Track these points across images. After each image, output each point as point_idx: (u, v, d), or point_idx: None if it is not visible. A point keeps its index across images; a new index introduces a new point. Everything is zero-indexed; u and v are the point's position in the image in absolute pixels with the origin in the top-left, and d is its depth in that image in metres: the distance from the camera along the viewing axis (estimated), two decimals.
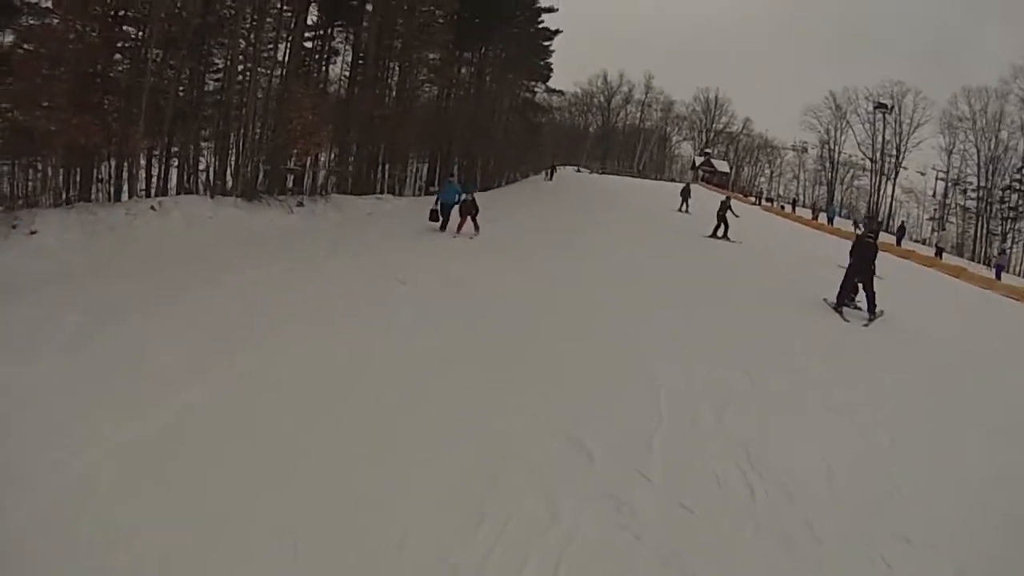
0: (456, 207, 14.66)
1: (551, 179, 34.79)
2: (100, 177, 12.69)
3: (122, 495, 3.94)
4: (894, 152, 42.89)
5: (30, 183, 11.71)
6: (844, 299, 10.34)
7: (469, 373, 6.15)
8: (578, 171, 42.18)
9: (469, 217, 14.50)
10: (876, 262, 10.28)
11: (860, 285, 10.26)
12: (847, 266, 10.40)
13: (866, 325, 9.91)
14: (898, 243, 27.32)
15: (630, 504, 4.06)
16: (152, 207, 12.33)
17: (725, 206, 18.43)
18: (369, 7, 19.35)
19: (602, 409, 5.48)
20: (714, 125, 48.14)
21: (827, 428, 5.68)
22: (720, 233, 17.99)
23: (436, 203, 15.03)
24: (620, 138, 48.58)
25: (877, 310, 10.13)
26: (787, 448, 5.06)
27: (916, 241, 33.50)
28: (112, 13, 12.77)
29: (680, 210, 24.16)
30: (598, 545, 3.70)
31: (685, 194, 25.09)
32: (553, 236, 16.08)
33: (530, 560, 3.53)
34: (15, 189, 11.48)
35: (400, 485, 4.18)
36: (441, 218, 14.79)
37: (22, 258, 9.60)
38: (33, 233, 10.29)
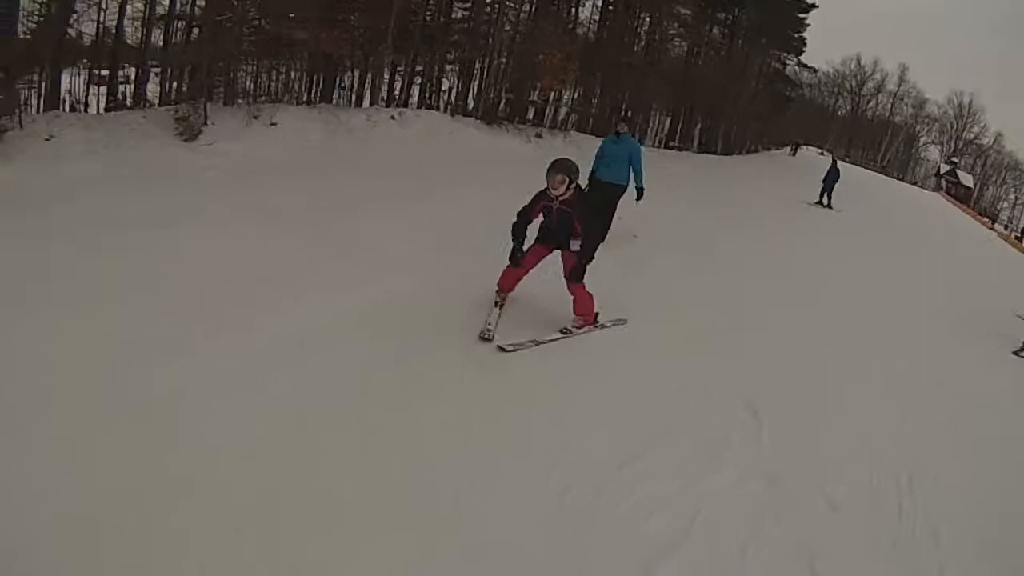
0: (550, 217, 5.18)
1: (795, 155, 31.89)
2: (343, 85, 12.48)
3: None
4: None
5: (273, 84, 11.65)
6: None
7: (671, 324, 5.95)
8: (821, 154, 38.41)
9: (572, 253, 5.10)
10: None
11: None
12: None
13: None
14: None
15: (783, 484, 3.89)
16: (392, 116, 12.12)
17: None
18: None
19: (788, 384, 5.23)
20: (964, 133, 41.88)
21: (1008, 474, 4.80)
22: None
23: (590, 181, 7.71)
24: (867, 128, 43.82)
25: None
26: (952, 480, 4.43)
27: None
28: None
29: (820, 203, 16.39)
30: (737, 513, 3.55)
31: (830, 180, 16.38)
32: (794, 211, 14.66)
33: (671, 505, 3.51)
34: (258, 87, 11.42)
35: (572, 405, 4.26)
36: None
37: (262, 145, 9.78)
38: (273, 125, 10.34)
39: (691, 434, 4.24)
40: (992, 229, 30.75)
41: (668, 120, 21.14)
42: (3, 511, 2.72)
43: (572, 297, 5.22)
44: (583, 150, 14.13)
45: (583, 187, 5.08)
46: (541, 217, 5.19)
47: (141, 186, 7.45)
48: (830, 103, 43.06)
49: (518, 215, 5.13)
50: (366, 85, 12.48)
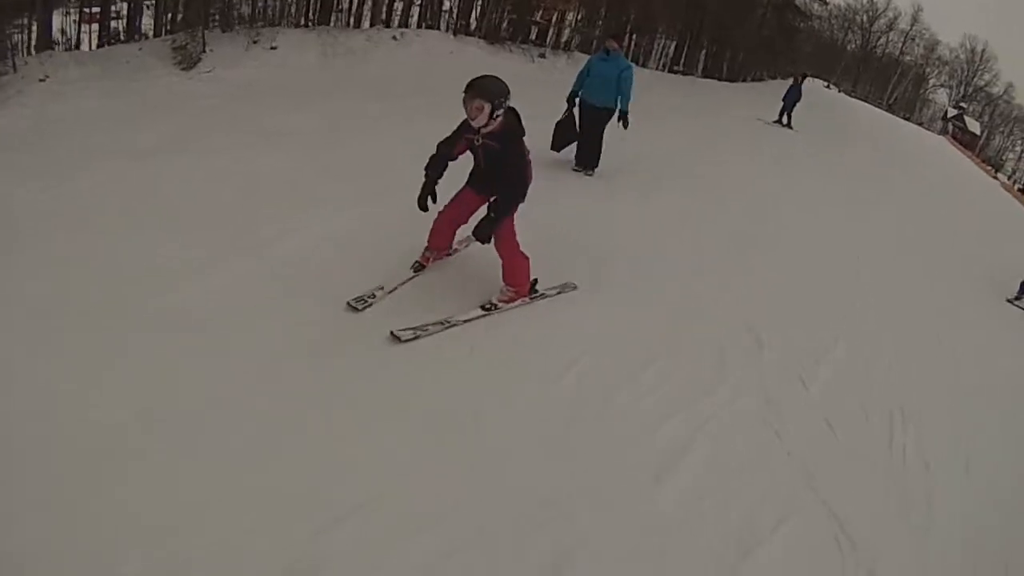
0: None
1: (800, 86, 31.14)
2: (340, 7, 12.10)
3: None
4: None
5: (269, 9, 11.27)
6: None
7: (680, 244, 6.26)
8: (827, 87, 37.60)
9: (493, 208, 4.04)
10: None
11: None
12: None
13: None
14: None
15: (778, 403, 4.12)
16: (394, 36, 11.97)
17: None
18: None
19: (792, 312, 5.49)
20: (974, 80, 40.87)
21: (991, 422, 4.94)
22: None
23: (571, 103, 7.26)
24: (876, 65, 42.87)
25: None
26: (943, 418, 4.66)
27: None
28: None
29: (780, 122, 16.10)
30: (740, 427, 3.79)
31: (789, 100, 16.03)
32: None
33: (677, 416, 3.68)
34: (255, 12, 11.04)
35: (571, 330, 4.28)
36: (577, 136, 7.33)
37: (261, 69, 9.61)
38: (273, 48, 10.15)
39: (693, 354, 4.39)
40: (995, 178, 30.26)
41: (673, 45, 20.65)
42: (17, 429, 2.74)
43: (500, 261, 4.19)
44: None
45: (517, 112, 3.93)
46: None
47: (141, 118, 7.37)
48: (840, 37, 42.14)
49: (437, 147, 4.02)
50: (365, 6, 12.19)
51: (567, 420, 3.48)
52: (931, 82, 42.45)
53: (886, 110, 39.13)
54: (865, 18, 42.41)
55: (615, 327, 4.42)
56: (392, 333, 3.71)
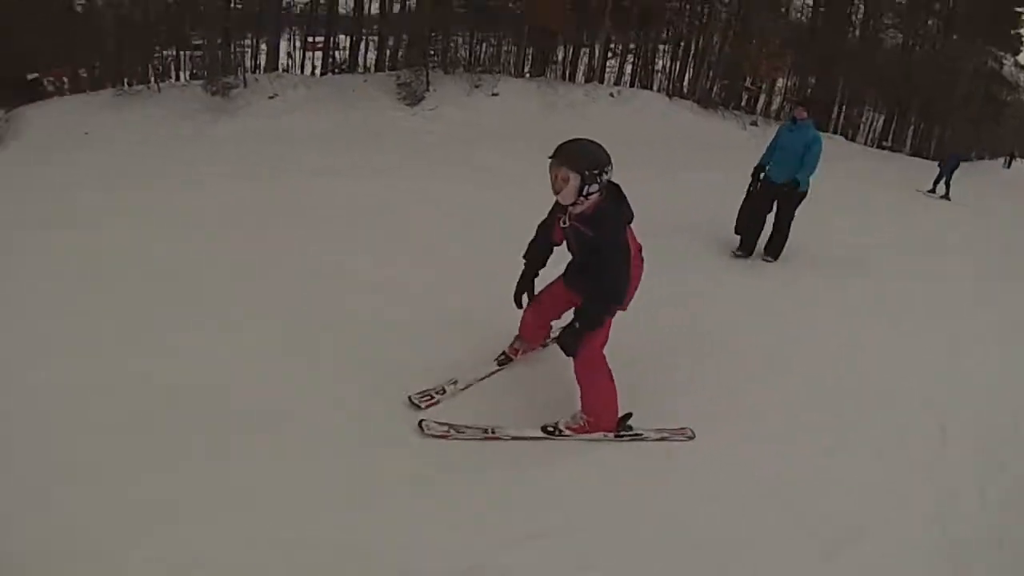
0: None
1: (1008, 167, 28.57)
2: (554, 59, 12.52)
3: None
4: None
5: (487, 55, 11.91)
6: None
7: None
8: None
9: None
10: None
11: None
12: None
13: None
14: None
15: (956, 506, 3.48)
16: (611, 94, 12.20)
17: None
18: None
19: (982, 409, 4.60)
20: None
21: None
22: None
23: (755, 176, 5.96)
24: None
25: None
26: None
27: None
28: None
29: (933, 191, 13.16)
30: (909, 518, 3.26)
31: (948, 166, 13.31)
32: None
33: (851, 498, 3.29)
34: (472, 58, 11.70)
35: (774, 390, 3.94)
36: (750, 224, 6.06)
37: (484, 113, 10.00)
38: (495, 95, 10.57)
39: (874, 433, 4.03)
40: None
41: (881, 119, 19.79)
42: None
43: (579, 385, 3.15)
44: None
45: (620, 188, 2.87)
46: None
47: (365, 142, 7.73)
48: None
49: (537, 229, 3.25)
50: (580, 60, 12.55)
51: (740, 491, 3.14)
52: None
53: None
54: None
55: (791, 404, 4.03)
56: (420, 422, 3.04)
